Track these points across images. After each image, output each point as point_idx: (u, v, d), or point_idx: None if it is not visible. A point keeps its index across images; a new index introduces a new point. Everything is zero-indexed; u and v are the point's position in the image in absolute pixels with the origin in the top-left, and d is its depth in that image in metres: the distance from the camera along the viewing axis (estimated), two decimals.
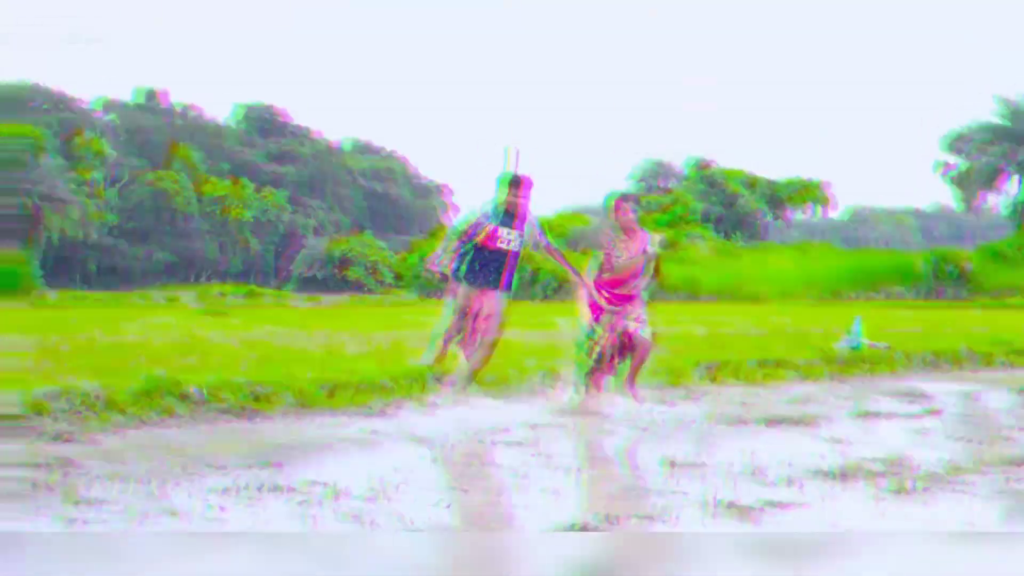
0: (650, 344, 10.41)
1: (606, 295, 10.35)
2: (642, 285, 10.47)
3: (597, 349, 10.33)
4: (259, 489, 6.14)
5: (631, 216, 10.41)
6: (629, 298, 10.39)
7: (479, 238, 10.45)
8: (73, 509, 5.63)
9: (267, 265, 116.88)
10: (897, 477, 6.59)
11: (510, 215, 10.52)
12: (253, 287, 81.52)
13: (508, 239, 10.48)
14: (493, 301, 10.46)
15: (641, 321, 10.37)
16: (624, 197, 10.61)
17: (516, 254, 10.57)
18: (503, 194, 10.55)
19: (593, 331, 10.36)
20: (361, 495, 6.00)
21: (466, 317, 10.54)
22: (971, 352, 15.51)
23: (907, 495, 6.17)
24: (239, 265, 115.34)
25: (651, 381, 11.71)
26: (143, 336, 17.68)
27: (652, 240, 10.53)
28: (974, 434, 8.66)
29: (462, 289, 10.55)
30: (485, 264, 10.47)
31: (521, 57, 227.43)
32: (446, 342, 10.80)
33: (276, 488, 6.16)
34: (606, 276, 10.39)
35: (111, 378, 9.68)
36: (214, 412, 9.27)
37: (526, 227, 10.57)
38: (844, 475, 6.67)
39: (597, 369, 10.44)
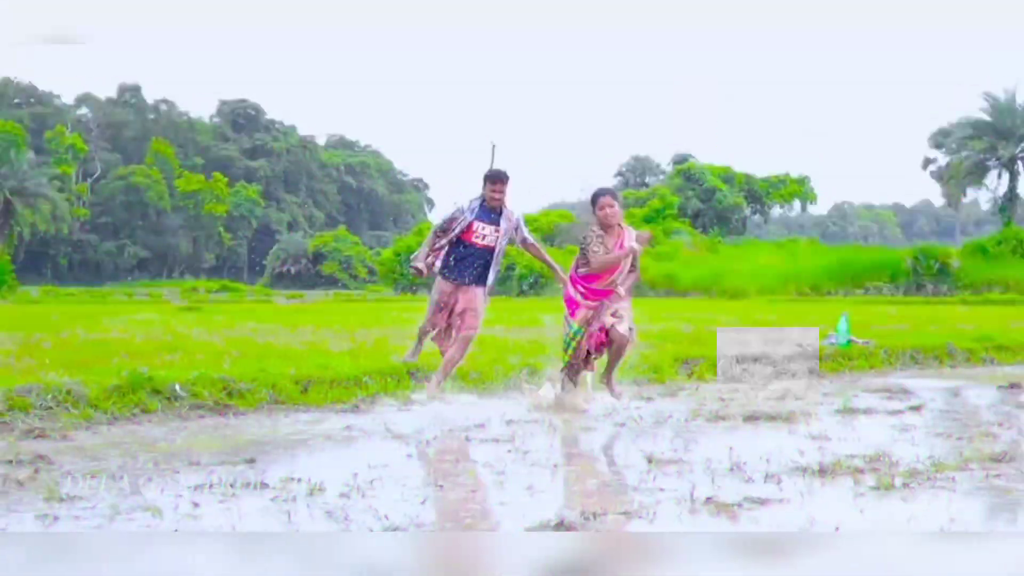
0: (626, 339, 10.16)
1: (582, 290, 10.14)
2: (621, 281, 10.15)
3: (574, 345, 10.14)
4: (234, 485, 6.08)
5: (612, 212, 10.11)
6: (607, 294, 10.13)
7: (457, 233, 10.41)
8: (46, 506, 5.57)
9: (240, 260, 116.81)
10: (878, 473, 6.54)
11: (489, 211, 10.49)
12: (227, 282, 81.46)
13: (485, 234, 10.43)
14: (471, 296, 10.41)
15: (619, 316, 10.11)
16: (606, 193, 10.25)
17: (495, 249, 10.51)
18: (483, 190, 10.52)
19: (574, 328, 10.13)
20: (336, 491, 5.95)
21: (442, 313, 10.50)
22: (957, 348, 15.50)
23: (888, 491, 6.13)
24: (212, 260, 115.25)
25: (632, 377, 11.69)
26: (125, 333, 17.59)
27: (634, 236, 10.23)
28: (957, 430, 8.62)
29: (439, 284, 10.52)
30: (463, 259, 10.43)
31: (506, 54, 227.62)
32: (421, 337, 10.81)
33: (251, 484, 6.11)
34: (583, 271, 10.16)
35: (92, 375, 9.62)
36: (191, 408, 9.21)
37: (503, 222, 10.49)
38: (825, 471, 6.62)
39: (574, 364, 10.24)
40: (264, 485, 6.10)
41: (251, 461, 6.88)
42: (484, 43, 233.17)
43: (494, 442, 7.85)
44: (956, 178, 67.93)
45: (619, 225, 10.19)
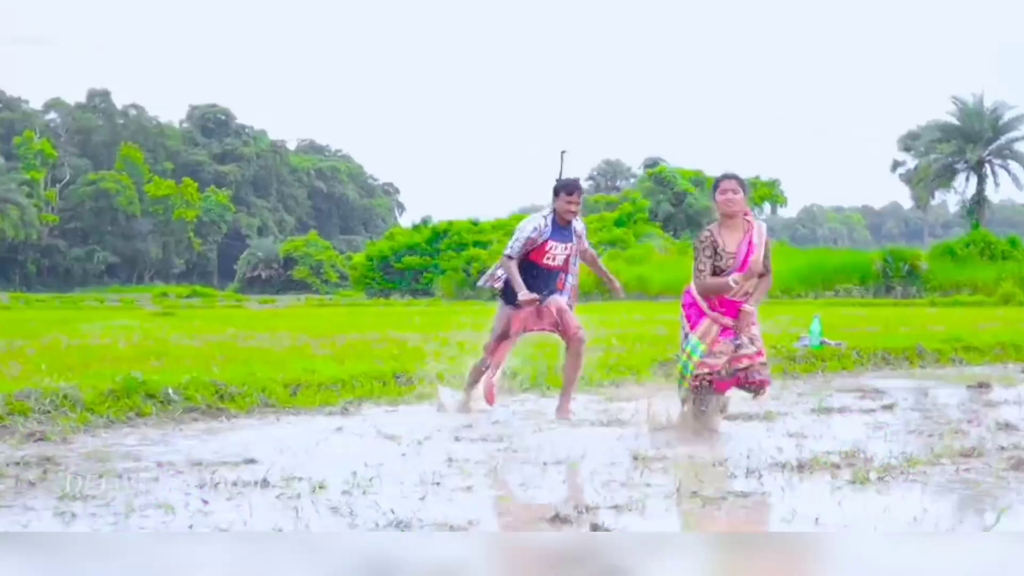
0: (767, 384, 8.59)
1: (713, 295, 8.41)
2: (752, 288, 8.47)
3: (692, 366, 8.45)
4: (238, 484, 6.33)
5: (736, 199, 8.42)
6: (736, 306, 8.44)
7: (528, 254, 9.47)
8: (62, 504, 5.80)
9: (210, 265, 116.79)
10: (854, 468, 6.84)
11: (562, 227, 9.52)
12: (197, 287, 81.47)
13: (556, 254, 9.51)
14: (556, 299, 9.55)
15: (757, 348, 8.48)
16: (730, 176, 8.57)
17: (565, 271, 9.64)
18: (555, 202, 9.51)
19: (693, 343, 8.45)
20: (338, 489, 6.20)
21: (510, 339, 9.71)
22: (926, 349, 15.82)
23: (864, 485, 6.43)
24: (182, 265, 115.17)
25: (611, 379, 11.98)
26: (107, 339, 17.74)
27: (764, 232, 8.52)
28: (928, 428, 8.93)
29: (504, 311, 9.70)
30: (530, 280, 9.44)
31: (476, 58, 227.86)
32: (485, 369, 9.91)
33: (255, 483, 6.35)
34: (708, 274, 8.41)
35: (85, 379, 9.83)
36: (184, 411, 9.44)
37: (575, 238, 9.60)
38: (802, 466, 6.92)
39: (703, 390, 8.56)
40: (268, 483, 6.35)
41: (252, 461, 7.12)
42: (454, 47, 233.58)
43: (484, 441, 8.12)
44: (925, 181, 68.77)
45: (741, 215, 8.50)
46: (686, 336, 8.49)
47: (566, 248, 9.51)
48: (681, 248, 62.06)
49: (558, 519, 5.40)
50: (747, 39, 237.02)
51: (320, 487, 6.22)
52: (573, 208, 9.40)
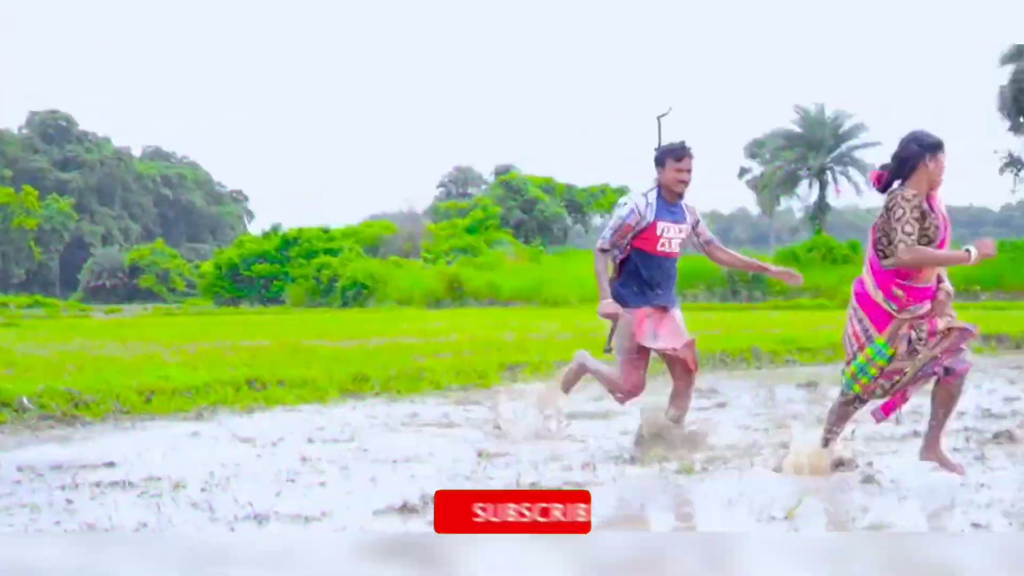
0: (967, 367, 6.77)
1: (899, 292, 6.60)
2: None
3: (873, 372, 6.68)
4: (100, 485, 6.61)
5: (943, 166, 6.64)
6: (931, 293, 6.71)
7: (629, 240, 7.80)
8: None
9: (51, 275, 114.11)
10: (681, 460, 7.38)
11: (669, 205, 7.78)
12: (39, 297, 79.69)
13: (671, 237, 7.76)
14: (674, 320, 7.97)
15: (960, 333, 6.70)
16: (941, 144, 6.65)
17: (677, 258, 7.92)
18: (661, 174, 7.80)
19: (878, 345, 6.65)
20: (197, 487, 6.52)
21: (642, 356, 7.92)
22: (762, 351, 16.54)
23: (689, 475, 6.99)
24: (21, 275, 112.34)
25: (460, 384, 12.40)
26: None
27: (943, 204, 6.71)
28: (755, 423, 9.53)
29: (624, 321, 7.89)
30: (647, 280, 7.83)
31: (321, 61, 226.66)
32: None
33: (117, 483, 6.64)
34: (890, 262, 6.61)
35: None
36: (40, 420, 9.58)
37: (688, 216, 7.88)
38: (634, 459, 7.47)
39: (857, 402, 6.93)
40: (129, 483, 6.64)
41: (111, 464, 7.39)
42: (301, 51, 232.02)
43: (336, 442, 8.48)
44: (770, 187, 71.03)
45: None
46: (868, 336, 6.67)
47: (680, 230, 7.79)
48: (532, 255, 62.67)
49: (406, 509, 5.82)
50: (593, 42, 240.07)
51: (180, 486, 6.54)
52: (685, 178, 7.72)
